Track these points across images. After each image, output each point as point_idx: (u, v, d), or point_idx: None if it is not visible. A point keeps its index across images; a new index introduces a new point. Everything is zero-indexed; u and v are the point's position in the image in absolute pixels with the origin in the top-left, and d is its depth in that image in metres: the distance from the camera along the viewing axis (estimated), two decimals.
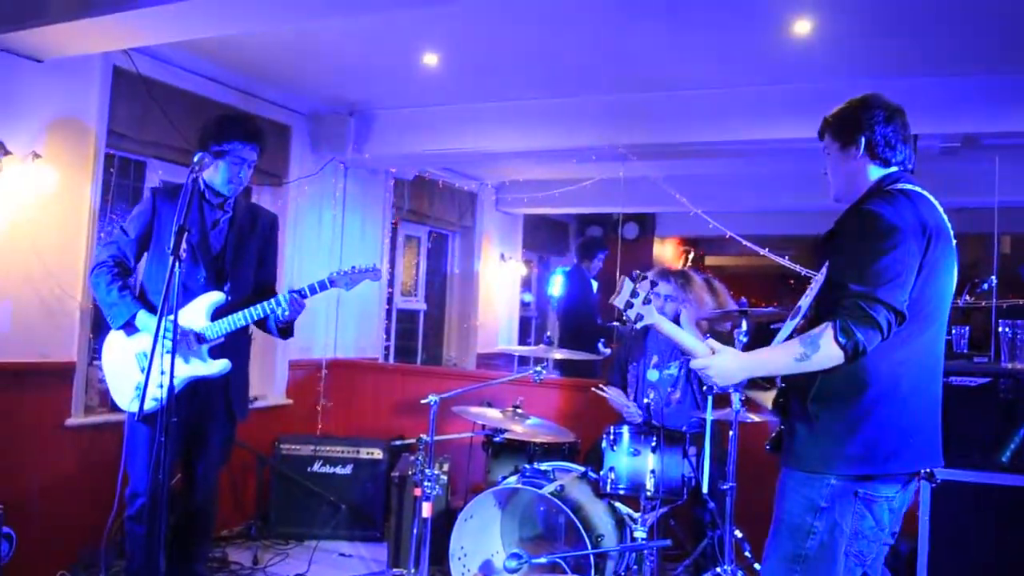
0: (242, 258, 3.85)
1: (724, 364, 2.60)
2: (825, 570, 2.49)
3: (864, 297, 2.34)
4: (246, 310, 3.67)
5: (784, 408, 2.62)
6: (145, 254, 3.83)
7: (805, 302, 2.63)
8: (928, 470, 3.63)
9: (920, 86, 4.95)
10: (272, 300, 3.66)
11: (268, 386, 6.28)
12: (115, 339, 3.77)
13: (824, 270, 2.58)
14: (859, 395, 2.45)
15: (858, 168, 2.64)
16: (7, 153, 4.31)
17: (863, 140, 2.61)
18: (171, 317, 3.00)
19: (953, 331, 6.53)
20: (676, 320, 4.75)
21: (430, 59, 5.15)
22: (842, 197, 2.69)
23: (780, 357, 2.50)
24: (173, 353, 3.01)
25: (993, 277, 6.21)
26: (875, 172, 2.63)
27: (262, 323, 3.85)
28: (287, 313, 3.68)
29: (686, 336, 2.76)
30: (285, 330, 3.88)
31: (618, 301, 2.72)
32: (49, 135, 4.56)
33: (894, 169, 2.64)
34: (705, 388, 4.48)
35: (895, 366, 2.46)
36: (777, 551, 2.58)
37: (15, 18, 4.08)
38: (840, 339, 2.32)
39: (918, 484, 2.60)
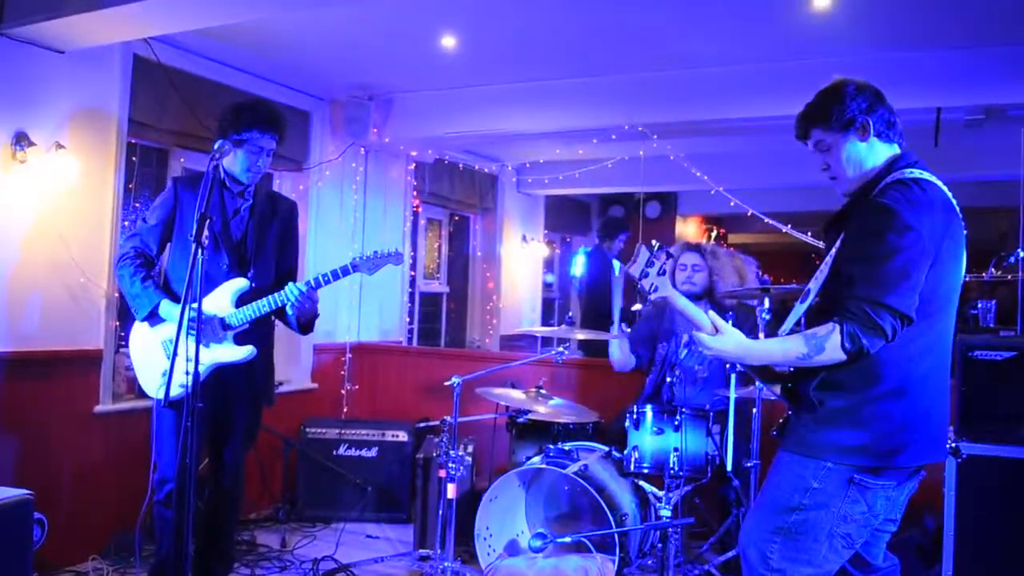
0: (264, 245, 3.88)
1: (722, 346, 2.57)
2: (806, 546, 2.48)
3: (872, 303, 2.32)
4: (269, 297, 3.70)
5: (792, 394, 2.61)
6: (168, 244, 3.86)
7: (814, 286, 2.60)
8: (953, 444, 3.64)
9: (942, 58, 4.88)
10: (287, 289, 3.69)
11: (293, 370, 6.33)
12: (141, 328, 3.81)
13: (832, 254, 2.55)
14: (868, 389, 2.44)
15: (866, 152, 2.60)
16: (31, 144, 4.35)
17: (868, 121, 2.57)
18: (195, 304, 3.03)
19: (979, 305, 6.50)
20: (710, 292, 4.74)
21: (448, 41, 5.14)
22: (853, 187, 2.64)
23: (781, 353, 2.52)
24: (198, 340, 3.04)
25: (1020, 250, 6.14)
26: (884, 152, 2.60)
27: (283, 317, 3.89)
28: (300, 304, 3.71)
29: (695, 309, 2.70)
30: (306, 326, 3.91)
31: (634, 270, 2.69)
32: (72, 125, 4.60)
33: (896, 150, 2.62)
34: (728, 365, 4.41)
35: (906, 362, 2.44)
36: (761, 521, 2.58)
37: (37, 10, 4.11)
38: (846, 344, 2.33)
39: (923, 474, 2.58)
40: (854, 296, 2.35)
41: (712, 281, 4.76)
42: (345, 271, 3.72)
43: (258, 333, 3.82)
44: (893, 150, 2.62)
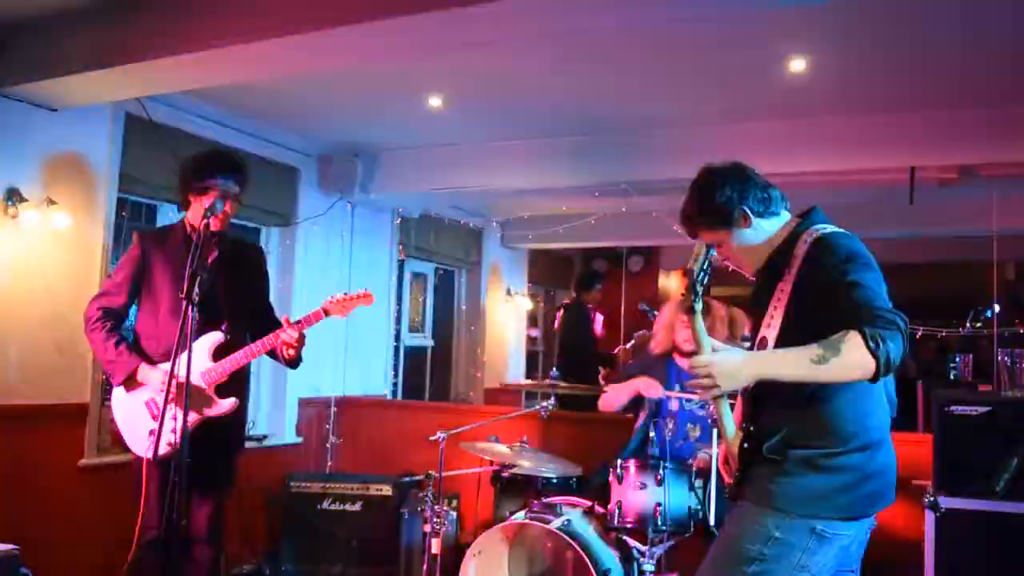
0: (235, 295, 3.85)
1: (730, 362, 2.36)
2: None
3: (883, 308, 2.29)
4: (248, 347, 3.73)
5: (747, 453, 2.59)
6: (136, 300, 3.83)
7: (771, 334, 2.55)
8: (931, 499, 3.69)
9: (915, 120, 5.03)
10: (270, 336, 3.73)
11: (278, 424, 6.33)
12: (121, 390, 3.79)
13: (782, 299, 2.54)
14: (830, 444, 2.46)
15: (754, 236, 2.65)
16: (22, 200, 4.41)
17: (745, 210, 2.61)
18: (189, 360, 3.07)
19: (957, 359, 6.58)
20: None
21: (435, 101, 5.25)
22: (760, 264, 2.67)
23: (794, 358, 2.31)
24: (187, 402, 3.07)
25: (995, 305, 6.25)
26: (773, 225, 2.65)
27: (272, 354, 3.90)
28: (289, 351, 3.76)
29: (704, 334, 2.51)
30: (293, 362, 3.93)
31: (696, 266, 2.48)
32: (63, 181, 4.67)
33: (787, 217, 2.67)
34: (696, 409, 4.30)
35: (862, 417, 2.49)
36: (714, 573, 2.57)
37: (32, 69, 4.20)
38: (870, 345, 2.19)
39: (874, 524, 2.60)
40: (863, 310, 2.28)
41: None
42: (318, 316, 3.77)
43: (235, 383, 3.83)
44: (783, 218, 2.67)
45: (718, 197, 2.62)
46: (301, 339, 3.78)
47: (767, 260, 2.65)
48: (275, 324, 3.82)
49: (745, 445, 2.60)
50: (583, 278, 8.48)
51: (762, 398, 2.57)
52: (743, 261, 2.71)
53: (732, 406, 2.69)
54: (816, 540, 2.46)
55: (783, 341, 2.50)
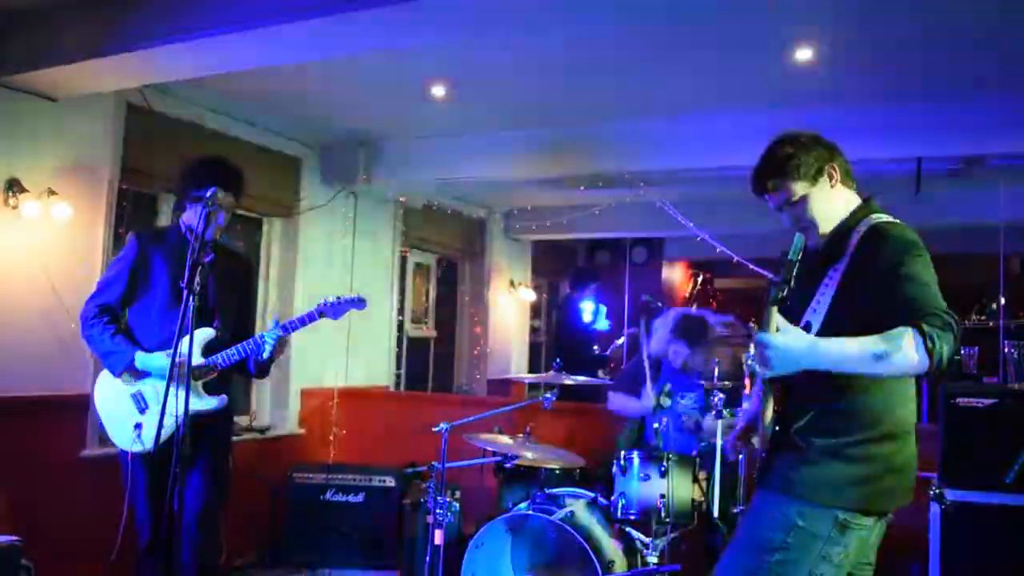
0: (225, 298, 3.88)
1: (792, 348, 2.32)
2: None
3: (940, 309, 2.28)
4: (238, 346, 3.71)
5: (775, 438, 2.59)
6: (130, 298, 3.82)
7: (815, 319, 2.55)
8: (937, 491, 3.67)
9: (923, 110, 4.98)
10: (262, 335, 3.71)
11: (281, 415, 6.32)
12: (107, 381, 3.77)
13: (830, 287, 2.54)
14: (858, 432, 2.45)
15: (835, 198, 2.64)
16: (23, 191, 4.40)
17: (835, 168, 2.63)
18: (184, 344, 3.07)
19: (962, 351, 6.56)
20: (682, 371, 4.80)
21: (438, 90, 5.21)
22: (826, 231, 2.64)
23: (855, 351, 2.28)
24: (187, 386, 3.06)
25: (1001, 297, 6.23)
26: (849, 195, 2.66)
27: (242, 365, 3.87)
28: (270, 350, 3.73)
29: (773, 312, 2.46)
30: (263, 370, 3.92)
31: (795, 256, 2.48)
32: (64, 172, 4.65)
33: (856, 194, 2.67)
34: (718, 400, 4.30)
35: (893, 408, 2.48)
36: (738, 560, 2.56)
37: (31, 58, 4.18)
38: (928, 344, 2.19)
39: (891, 519, 2.58)
40: (921, 308, 2.28)
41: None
42: (312, 317, 3.75)
43: (223, 381, 3.82)
44: (854, 193, 2.68)
45: (812, 149, 2.63)
46: (285, 342, 3.79)
47: (826, 238, 2.63)
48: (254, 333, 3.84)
49: (777, 428, 2.59)
50: (577, 276, 8.53)
51: (796, 381, 2.51)
52: (814, 223, 2.65)
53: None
54: (839, 530, 2.45)
55: (828, 327, 2.49)
